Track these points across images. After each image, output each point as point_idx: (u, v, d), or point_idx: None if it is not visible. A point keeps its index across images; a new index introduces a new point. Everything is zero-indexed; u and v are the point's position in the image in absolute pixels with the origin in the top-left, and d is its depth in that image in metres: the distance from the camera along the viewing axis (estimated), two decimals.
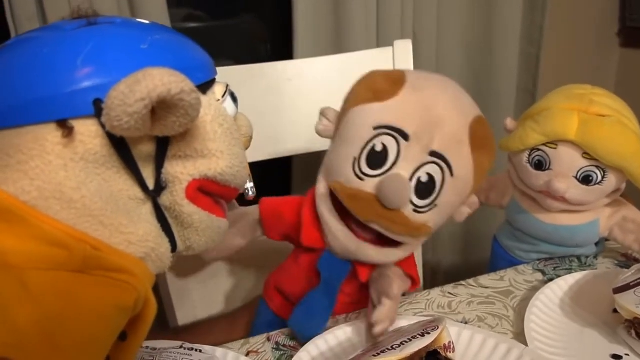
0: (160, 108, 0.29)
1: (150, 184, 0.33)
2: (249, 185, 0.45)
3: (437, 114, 0.46)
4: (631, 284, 0.49)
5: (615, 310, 0.50)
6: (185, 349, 0.45)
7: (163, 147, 0.32)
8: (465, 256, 1.36)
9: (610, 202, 0.61)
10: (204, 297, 0.73)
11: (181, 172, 0.33)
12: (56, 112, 0.29)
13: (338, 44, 1.05)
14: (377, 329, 0.45)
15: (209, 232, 0.36)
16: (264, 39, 1.25)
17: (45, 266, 0.27)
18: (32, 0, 0.81)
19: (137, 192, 0.32)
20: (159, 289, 0.71)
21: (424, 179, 0.46)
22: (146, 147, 0.32)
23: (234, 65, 0.73)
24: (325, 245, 0.51)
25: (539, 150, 0.58)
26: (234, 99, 0.38)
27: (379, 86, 0.48)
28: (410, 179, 0.46)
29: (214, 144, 0.34)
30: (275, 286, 0.58)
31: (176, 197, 0.33)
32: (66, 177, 0.29)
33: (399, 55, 0.76)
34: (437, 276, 1.33)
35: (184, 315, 0.72)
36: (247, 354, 0.49)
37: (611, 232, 0.62)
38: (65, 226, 0.29)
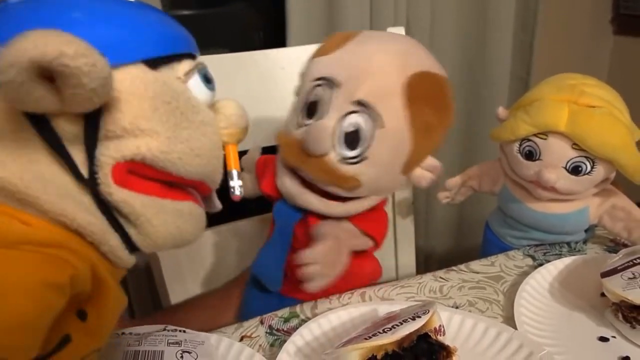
0: (56, 78, 0.25)
1: (85, 172, 0.29)
2: (236, 183, 0.39)
3: (370, 65, 0.46)
4: (618, 268, 0.50)
5: (603, 294, 0.51)
6: (168, 330, 0.45)
7: (92, 128, 0.29)
8: (459, 242, 1.38)
9: (600, 190, 0.62)
10: (196, 274, 0.74)
11: (103, 154, 0.29)
12: None
13: (331, 31, 1.04)
14: (301, 270, 0.45)
15: (166, 218, 0.32)
16: (257, 26, 1.25)
17: None
18: None
19: (71, 179, 0.29)
20: (151, 268, 0.72)
21: (350, 128, 0.46)
22: (71, 127, 0.28)
23: (227, 53, 0.73)
24: (281, 194, 0.53)
25: (529, 140, 0.59)
26: (207, 80, 0.34)
27: (330, 41, 0.50)
28: (337, 129, 0.46)
29: (148, 122, 0.30)
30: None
31: (104, 185, 0.29)
32: None
33: None
34: (430, 262, 1.35)
35: (176, 294, 0.72)
36: (241, 339, 0.50)
37: (600, 220, 0.63)
38: None
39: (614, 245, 0.65)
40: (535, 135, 0.58)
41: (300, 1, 1.01)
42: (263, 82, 0.74)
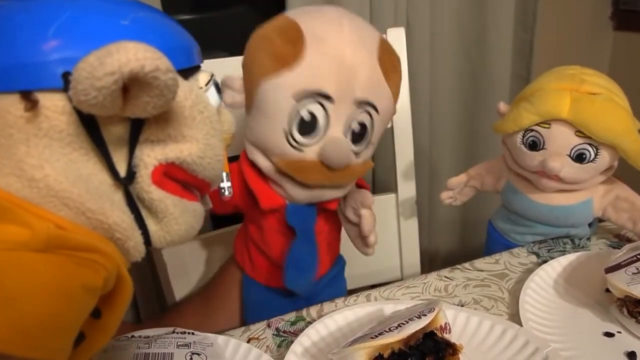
0: (133, 86, 0.26)
1: (122, 171, 0.30)
2: (226, 184, 0.41)
3: (349, 64, 0.46)
4: (622, 264, 0.50)
5: (607, 290, 0.51)
6: (178, 332, 0.46)
7: (136, 131, 0.30)
8: (463, 242, 1.38)
9: (604, 180, 0.62)
10: (202, 275, 0.74)
11: (148, 155, 0.31)
12: (21, 82, 0.27)
13: None
14: (371, 238, 0.51)
15: (186, 217, 0.34)
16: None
17: (6, 246, 0.25)
18: None
19: (107, 178, 0.30)
20: (156, 266, 0.72)
21: (357, 129, 0.48)
22: (118, 129, 0.29)
23: (227, 57, 0.73)
24: (287, 200, 0.53)
25: (532, 130, 0.59)
26: (219, 89, 0.36)
27: (280, 50, 0.46)
28: (346, 135, 0.48)
29: (190, 130, 0.32)
30: (253, 260, 0.59)
31: (142, 184, 0.31)
32: (27, 154, 0.27)
33: (393, 43, 0.75)
34: (435, 262, 1.35)
35: (180, 291, 0.73)
36: (248, 341, 0.50)
37: (605, 212, 0.63)
38: (26, 204, 0.27)
39: (618, 241, 0.65)
40: (538, 124, 0.59)
41: (300, 4, 1.02)
42: None
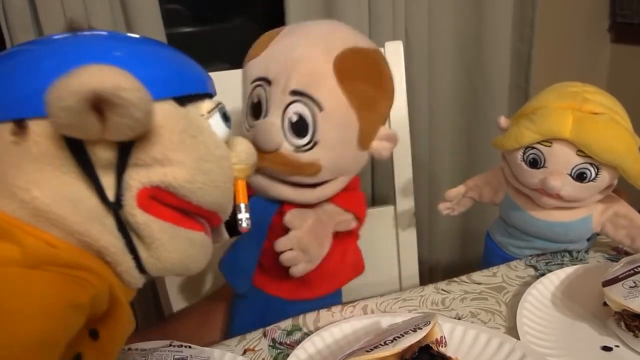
0: (105, 108, 0.27)
1: (111, 195, 0.31)
2: (244, 215, 0.41)
3: (296, 55, 0.48)
4: (620, 277, 0.50)
5: (605, 303, 0.51)
6: (174, 346, 0.46)
7: (124, 156, 0.31)
8: (462, 253, 1.37)
9: (603, 198, 0.62)
10: (199, 284, 0.74)
11: (133, 178, 0.31)
12: (13, 111, 0.29)
13: None
14: (281, 257, 0.49)
15: (179, 245, 0.33)
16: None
17: None
18: (27, 11, 0.82)
19: (98, 202, 0.30)
20: (155, 279, 0.72)
21: (294, 118, 0.48)
22: (106, 154, 0.30)
23: (228, 70, 0.74)
24: (255, 191, 0.53)
25: (533, 148, 0.59)
26: (226, 119, 0.37)
27: (259, 43, 0.52)
28: (283, 122, 0.48)
29: (176, 154, 0.32)
30: None
31: (128, 207, 0.31)
32: (16, 176, 0.28)
33: (390, 56, 0.77)
34: (434, 274, 1.34)
35: (179, 304, 0.73)
36: (244, 352, 0.50)
37: (603, 228, 0.63)
38: (19, 222, 0.28)
39: (616, 254, 0.65)
40: (539, 142, 0.58)
41: (300, 16, 1.02)
42: None
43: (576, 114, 0.56)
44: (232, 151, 0.38)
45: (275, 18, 1.09)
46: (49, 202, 0.29)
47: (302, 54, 0.48)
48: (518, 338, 0.49)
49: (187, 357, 0.44)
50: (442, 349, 0.41)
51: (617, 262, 0.54)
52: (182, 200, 0.33)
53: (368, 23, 1.07)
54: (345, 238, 0.58)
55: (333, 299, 0.62)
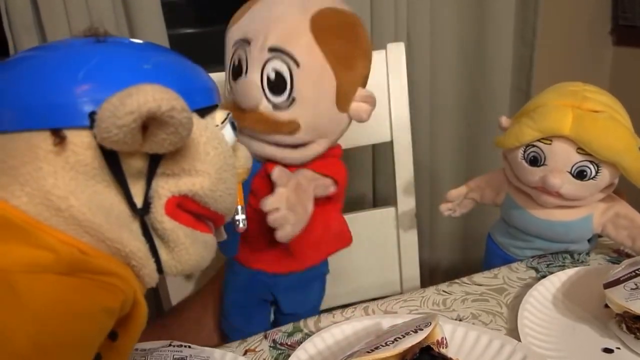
0: (152, 124, 0.29)
1: (139, 202, 0.33)
2: (241, 217, 0.44)
3: (273, 14, 0.50)
4: (621, 279, 0.50)
5: (606, 305, 0.51)
6: (174, 346, 0.46)
7: (154, 165, 0.33)
8: (464, 255, 1.37)
9: (604, 197, 0.62)
10: (199, 277, 0.74)
11: (162, 187, 0.33)
12: (51, 120, 0.30)
13: None
14: (269, 217, 0.47)
15: (197, 248, 0.35)
16: None
17: (33, 269, 0.27)
18: (29, 11, 0.82)
19: (126, 208, 0.32)
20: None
21: (272, 76, 0.49)
22: (137, 163, 0.32)
23: None
24: None
25: (533, 146, 0.59)
26: (234, 127, 0.38)
27: (239, 11, 0.54)
28: (262, 80, 0.49)
29: (203, 165, 0.34)
30: None
31: (156, 214, 0.33)
32: (54, 185, 0.29)
33: (392, 58, 0.77)
34: (435, 275, 1.34)
35: (177, 291, 0.73)
36: (245, 353, 0.50)
37: (604, 229, 0.63)
38: (53, 230, 0.29)
39: (617, 256, 0.65)
40: (539, 140, 0.59)
41: None
42: None
43: (576, 111, 0.56)
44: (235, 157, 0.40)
45: None
46: (84, 210, 0.30)
47: (280, 12, 0.50)
48: (519, 340, 0.48)
49: (186, 357, 0.44)
50: (443, 350, 0.41)
51: (618, 264, 0.54)
52: (203, 207, 0.35)
53: (370, 25, 1.07)
54: (326, 205, 0.58)
55: (319, 270, 0.62)
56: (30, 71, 0.30)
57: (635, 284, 0.49)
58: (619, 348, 0.49)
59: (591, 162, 0.57)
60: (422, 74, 1.16)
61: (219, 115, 0.37)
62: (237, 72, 0.51)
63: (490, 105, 1.24)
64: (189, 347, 0.46)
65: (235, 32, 0.53)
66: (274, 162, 0.53)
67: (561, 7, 1.38)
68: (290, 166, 0.53)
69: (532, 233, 0.65)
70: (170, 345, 0.46)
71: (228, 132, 0.37)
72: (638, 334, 0.48)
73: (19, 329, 0.25)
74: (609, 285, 0.50)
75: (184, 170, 0.33)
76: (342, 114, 0.53)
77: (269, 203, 0.47)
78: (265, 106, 0.50)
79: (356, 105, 0.53)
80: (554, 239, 0.65)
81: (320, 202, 0.55)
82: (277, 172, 0.50)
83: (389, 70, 0.77)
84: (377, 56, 0.78)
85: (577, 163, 0.57)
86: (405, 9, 1.09)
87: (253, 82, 0.49)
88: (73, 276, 0.28)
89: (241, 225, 0.43)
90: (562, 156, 0.58)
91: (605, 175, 0.58)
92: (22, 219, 0.28)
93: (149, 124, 0.29)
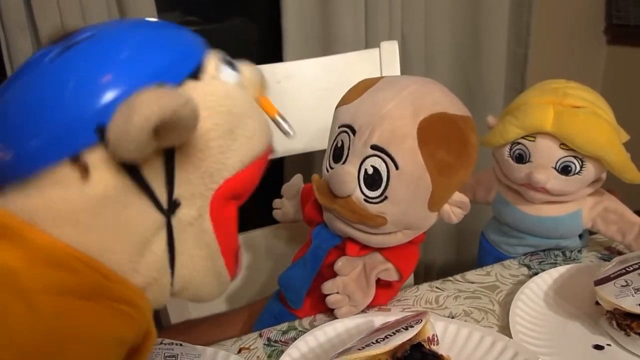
0: (162, 127, 0.28)
1: (164, 202, 0.31)
2: (284, 124, 0.39)
3: (384, 111, 0.49)
4: (611, 276, 0.51)
5: (597, 302, 0.51)
6: (165, 344, 0.46)
7: (170, 158, 0.31)
8: (458, 254, 1.38)
9: (592, 192, 0.63)
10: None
11: (197, 183, 0.32)
12: (63, 151, 0.28)
13: (327, 46, 1.06)
14: (326, 299, 0.53)
15: (208, 273, 0.34)
16: (253, 41, 1.27)
17: (55, 291, 0.27)
18: (22, 11, 0.82)
19: (152, 214, 0.31)
20: None
21: (370, 171, 0.49)
22: (154, 162, 0.31)
23: None
24: (323, 219, 0.56)
25: (519, 143, 0.60)
26: (232, 65, 0.35)
27: (354, 89, 0.54)
28: (359, 172, 0.50)
29: (217, 142, 0.32)
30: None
31: (201, 218, 0.33)
32: (82, 208, 0.28)
33: (386, 56, 0.77)
34: (430, 273, 1.35)
35: (177, 314, 0.73)
36: (239, 351, 0.50)
37: (594, 224, 0.64)
38: (79, 253, 0.28)
39: (609, 253, 0.65)
40: (524, 137, 0.60)
41: (296, 16, 1.03)
42: None
43: (557, 107, 0.57)
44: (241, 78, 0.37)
45: (272, 18, 1.09)
46: (109, 227, 0.29)
47: (389, 111, 0.49)
48: (511, 336, 0.49)
49: (177, 354, 0.44)
50: (434, 347, 0.42)
51: (609, 261, 0.54)
52: (245, 175, 0.34)
53: (364, 24, 1.07)
54: (386, 289, 0.58)
55: None
56: (18, 112, 0.29)
57: (626, 281, 0.49)
58: (609, 345, 0.49)
59: (575, 157, 0.58)
60: (416, 73, 1.16)
61: (212, 63, 0.34)
62: (338, 155, 0.52)
63: (485, 104, 1.24)
64: (180, 344, 0.46)
65: (343, 113, 0.53)
66: (354, 241, 0.54)
67: (555, 6, 1.38)
68: (368, 248, 0.54)
69: (522, 229, 0.66)
70: (161, 343, 0.46)
71: (227, 74, 0.34)
72: (628, 330, 0.48)
73: (36, 350, 0.26)
74: (599, 282, 0.51)
75: (202, 156, 0.32)
76: (432, 213, 0.52)
77: (327, 288, 0.53)
78: (357, 196, 0.50)
79: (448, 208, 0.52)
80: (544, 234, 0.65)
81: (384, 282, 0.56)
82: (339, 265, 0.53)
83: (382, 69, 0.77)
84: (371, 55, 0.78)
85: (561, 158, 0.58)
86: (399, 9, 1.10)
87: (351, 173, 0.50)
88: (91, 301, 0.28)
89: (291, 132, 0.39)
90: (546, 152, 0.59)
91: (590, 170, 0.59)
92: (47, 240, 0.28)
93: (159, 128, 0.28)
